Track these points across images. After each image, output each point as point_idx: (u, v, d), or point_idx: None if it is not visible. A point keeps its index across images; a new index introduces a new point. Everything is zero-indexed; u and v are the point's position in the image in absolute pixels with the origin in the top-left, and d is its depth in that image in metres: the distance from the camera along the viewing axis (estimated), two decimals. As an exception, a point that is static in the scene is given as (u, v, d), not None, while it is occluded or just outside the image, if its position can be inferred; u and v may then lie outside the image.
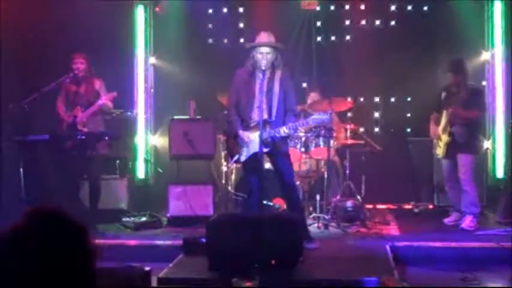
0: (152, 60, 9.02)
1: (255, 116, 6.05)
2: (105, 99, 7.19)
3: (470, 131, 7.06)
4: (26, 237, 1.54)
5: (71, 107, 7.26)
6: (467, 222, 6.98)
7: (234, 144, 6.28)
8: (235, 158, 6.27)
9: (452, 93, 7.12)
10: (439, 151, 7.25)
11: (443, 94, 7.21)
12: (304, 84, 9.11)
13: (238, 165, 6.84)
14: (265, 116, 6.04)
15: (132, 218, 7.60)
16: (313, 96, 8.08)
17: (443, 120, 7.15)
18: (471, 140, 7.10)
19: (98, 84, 7.33)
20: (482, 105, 7.27)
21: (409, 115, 9.12)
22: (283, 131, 5.99)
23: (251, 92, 6.10)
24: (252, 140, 6.04)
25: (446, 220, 7.36)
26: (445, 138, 7.12)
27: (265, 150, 5.99)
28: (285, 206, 6.80)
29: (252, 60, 6.10)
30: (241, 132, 6.13)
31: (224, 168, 7.89)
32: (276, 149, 6.12)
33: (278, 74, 6.11)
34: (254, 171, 6.03)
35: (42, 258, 1.51)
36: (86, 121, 7.20)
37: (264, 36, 6.12)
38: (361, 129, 8.46)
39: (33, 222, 1.57)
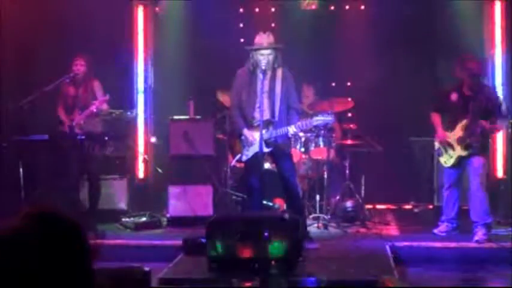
0: (152, 59, 9.01)
1: (258, 115, 6.05)
2: (98, 104, 7.11)
3: (484, 133, 6.59)
4: (22, 237, 1.54)
5: (70, 110, 7.24)
6: (481, 234, 6.32)
7: (237, 144, 6.29)
8: (238, 157, 6.27)
9: (466, 96, 6.50)
10: (447, 160, 6.63)
11: (455, 96, 6.58)
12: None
13: (240, 165, 6.83)
14: (268, 116, 6.05)
15: (132, 218, 7.59)
16: (306, 91, 8.06)
17: (460, 132, 6.52)
18: (485, 140, 6.66)
19: (95, 87, 7.30)
20: (503, 110, 6.50)
21: (409, 115, 9.09)
22: (292, 129, 5.99)
23: (252, 91, 6.10)
24: (256, 139, 6.02)
25: (437, 230, 6.71)
26: (460, 151, 6.51)
27: (267, 150, 5.99)
28: (285, 206, 6.79)
29: (252, 60, 6.10)
30: (246, 131, 6.13)
31: (224, 168, 7.89)
32: (279, 149, 6.12)
33: (279, 73, 6.11)
34: (255, 171, 6.04)
35: (38, 258, 1.51)
36: (83, 123, 7.17)
37: (263, 37, 6.11)
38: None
39: (30, 222, 1.57)
